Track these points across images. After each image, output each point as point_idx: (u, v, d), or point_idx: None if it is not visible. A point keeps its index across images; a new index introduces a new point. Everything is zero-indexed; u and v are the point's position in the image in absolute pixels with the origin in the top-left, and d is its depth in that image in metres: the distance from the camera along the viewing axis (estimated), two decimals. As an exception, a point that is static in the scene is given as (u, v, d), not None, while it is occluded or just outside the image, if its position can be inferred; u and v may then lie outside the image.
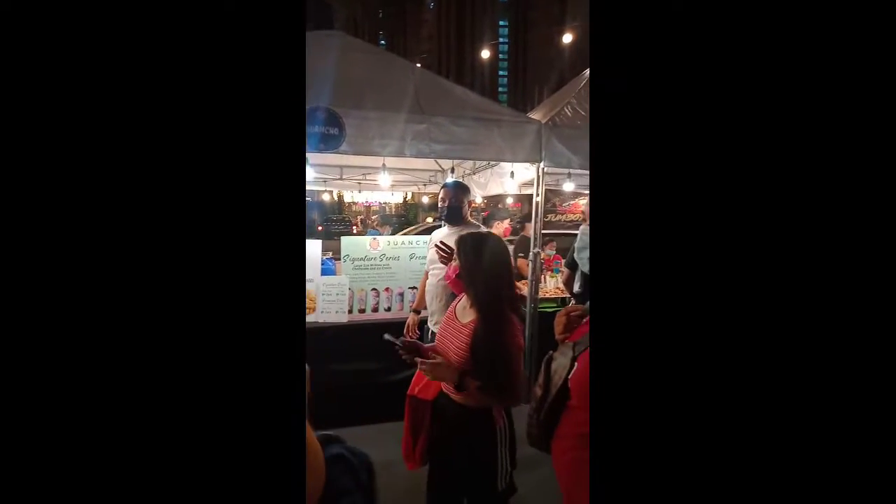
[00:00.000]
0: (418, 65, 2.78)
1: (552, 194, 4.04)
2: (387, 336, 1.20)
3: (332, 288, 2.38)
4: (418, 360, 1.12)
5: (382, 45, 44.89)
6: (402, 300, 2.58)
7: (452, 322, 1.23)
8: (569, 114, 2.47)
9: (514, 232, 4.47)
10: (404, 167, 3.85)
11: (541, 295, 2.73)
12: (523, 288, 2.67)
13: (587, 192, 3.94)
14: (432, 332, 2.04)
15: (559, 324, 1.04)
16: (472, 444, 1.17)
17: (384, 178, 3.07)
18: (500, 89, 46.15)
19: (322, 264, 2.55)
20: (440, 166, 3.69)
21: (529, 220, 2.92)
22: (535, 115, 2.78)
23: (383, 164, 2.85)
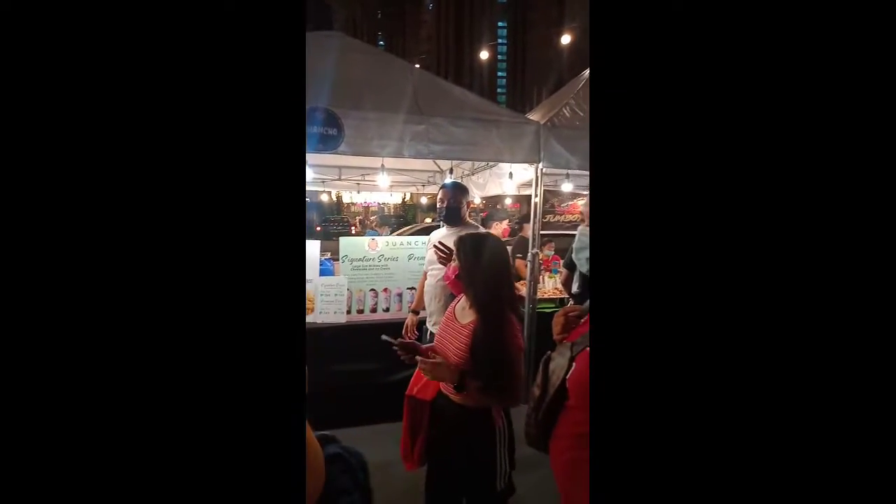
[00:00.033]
0: (417, 66, 2.78)
1: (550, 195, 4.04)
2: (385, 337, 1.20)
3: (330, 288, 2.38)
4: (418, 358, 1.12)
5: (381, 45, 44.88)
6: (401, 301, 2.58)
7: (452, 323, 1.23)
8: (567, 115, 2.48)
9: (513, 233, 4.48)
10: (403, 168, 3.85)
11: (539, 295, 2.74)
12: (522, 288, 2.67)
13: (585, 192, 3.94)
14: (431, 332, 2.04)
15: (557, 324, 1.04)
16: (471, 445, 1.17)
17: (383, 179, 3.07)
18: (499, 90, 46.21)
19: (320, 265, 2.55)
20: (439, 167, 3.70)
21: (528, 221, 2.93)
22: (534, 116, 2.78)
23: (382, 165, 2.85)
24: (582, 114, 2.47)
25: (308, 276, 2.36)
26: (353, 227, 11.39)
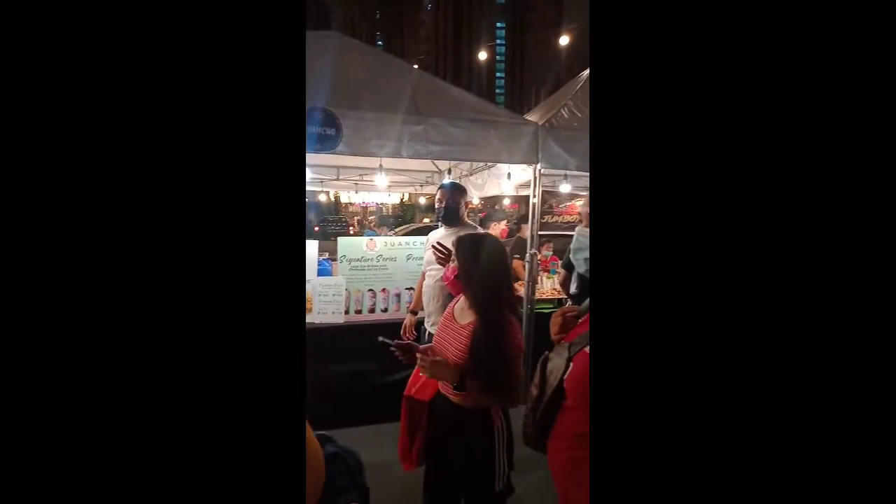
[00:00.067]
0: (415, 66, 2.78)
1: (549, 196, 4.05)
2: (381, 338, 1.20)
3: (328, 289, 2.38)
4: (418, 354, 1.12)
5: (380, 45, 44.87)
6: (399, 301, 2.58)
7: (451, 323, 1.23)
8: (565, 115, 2.48)
9: (511, 233, 4.48)
10: (401, 168, 3.85)
11: (537, 296, 2.74)
12: (520, 289, 2.67)
13: (583, 193, 3.95)
14: (429, 333, 2.04)
15: (555, 324, 1.05)
16: (470, 445, 1.17)
17: (381, 179, 3.06)
18: (498, 91, 46.25)
19: (318, 265, 2.55)
20: (437, 167, 3.70)
21: (526, 222, 2.93)
22: (532, 117, 2.78)
23: (380, 165, 2.85)
24: (580, 115, 2.48)
25: (306, 276, 2.36)
26: (350, 227, 11.37)
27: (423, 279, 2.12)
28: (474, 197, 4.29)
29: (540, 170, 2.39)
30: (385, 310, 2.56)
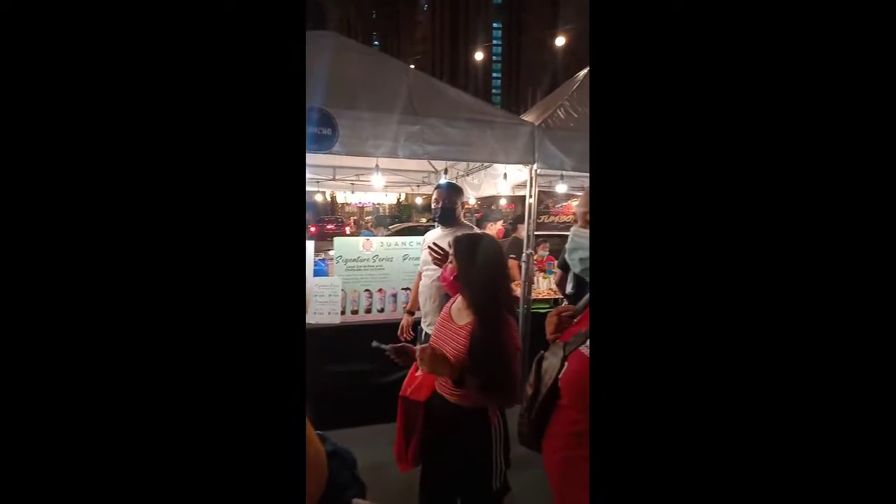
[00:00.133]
0: (412, 66, 2.78)
1: (545, 196, 4.06)
2: (375, 343, 1.20)
3: (324, 289, 2.37)
4: (418, 348, 1.12)
5: (376, 45, 44.81)
6: (396, 301, 2.57)
7: (448, 324, 1.23)
8: (562, 116, 2.49)
9: (507, 233, 4.48)
10: (398, 168, 3.84)
11: (533, 296, 2.75)
12: (516, 289, 2.68)
13: (580, 194, 3.96)
14: (426, 333, 2.04)
15: (550, 324, 1.05)
16: (468, 445, 1.17)
17: (377, 179, 3.06)
18: (494, 91, 46.29)
19: (315, 265, 2.54)
20: (433, 167, 3.70)
21: (522, 222, 2.93)
22: (529, 117, 2.79)
23: (376, 165, 2.85)
24: (576, 115, 2.49)
25: (302, 276, 2.35)
26: (347, 227, 11.34)
27: (420, 279, 2.12)
28: (471, 197, 4.30)
29: (536, 170, 2.39)
30: (381, 310, 2.56)
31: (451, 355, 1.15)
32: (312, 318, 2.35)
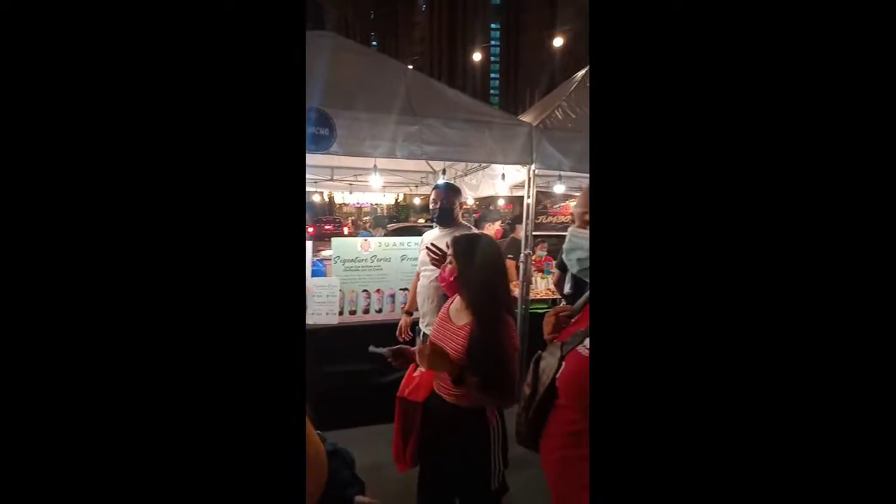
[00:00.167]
0: (410, 66, 2.78)
1: (543, 196, 4.07)
2: (372, 348, 1.20)
3: (322, 289, 2.37)
4: (418, 346, 1.12)
5: (374, 46, 44.78)
6: (393, 302, 2.57)
7: (447, 324, 1.23)
8: (559, 116, 2.49)
9: (505, 234, 4.49)
10: (396, 168, 3.84)
11: (532, 296, 2.75)
12: (514, 289, 2.68)
13: (577, 194, 3.97)
14: (424, 333, 2.04)
15: (548, 324, 1.05)
16: (466, 445, 1.17)
17: (375, 180, 3.06)
18: (492, 92, 46.33)
19: (312, 266, 2.54)
20: (432, 168, 3.70)
21: (520, 222, 2.94)
22: (526, 118, 2.79)
23: (374, 166, 2.85)
24: (574, 116, 2.49)
25: (300, 276, 2.34)
26: (345, 228, 11.33)
27: (418, 280, 2.12)
28: (469, 197, 4.30)
29: (534, 170, 2.40)
30: (379, 310, 2.56)
31: (450, 355, 1.15)
32: (310, 318, 2.34)
